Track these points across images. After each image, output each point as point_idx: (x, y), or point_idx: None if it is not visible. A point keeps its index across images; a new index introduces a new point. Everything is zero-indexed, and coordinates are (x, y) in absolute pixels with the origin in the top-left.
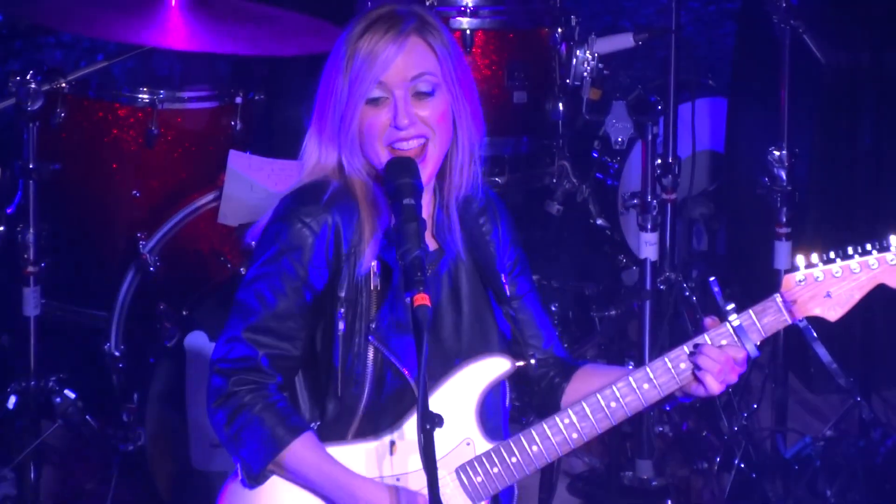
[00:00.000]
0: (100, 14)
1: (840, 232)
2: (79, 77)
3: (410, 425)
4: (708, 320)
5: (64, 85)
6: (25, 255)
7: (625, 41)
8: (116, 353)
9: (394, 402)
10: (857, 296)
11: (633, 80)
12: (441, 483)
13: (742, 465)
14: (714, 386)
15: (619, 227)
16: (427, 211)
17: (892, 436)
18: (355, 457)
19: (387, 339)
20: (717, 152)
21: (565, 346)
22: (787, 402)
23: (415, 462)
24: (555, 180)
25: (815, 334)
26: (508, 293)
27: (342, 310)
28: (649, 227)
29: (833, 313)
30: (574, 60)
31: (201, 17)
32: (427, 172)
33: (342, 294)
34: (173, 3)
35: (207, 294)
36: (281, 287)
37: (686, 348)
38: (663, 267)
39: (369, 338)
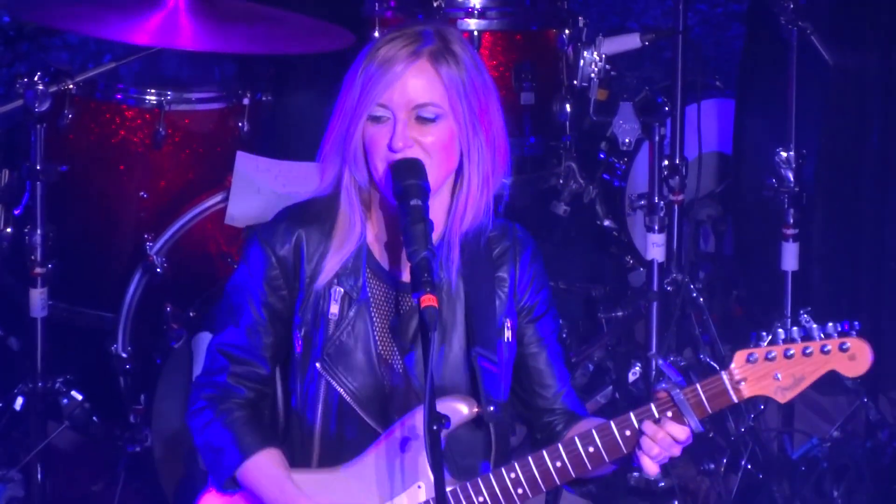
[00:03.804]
0: (106, 15)
1: (847, 233)
2: (86, 78)
3: (368, 462)
4: (659, 392)
5: (71, 86)
6: (32, 257)
7: (632, 42)
8: (123, 355)
9: (349, 430)
10: (808, 380)
11: (640, 82)
12: None
13: (749, 466)
14: (651, 468)
15: (626, 229)
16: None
17: None
18: (317, 484)
19: (335, 367)
20: (724, 153)
21: (581, 399)
22: (793, 402)
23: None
24: (562, 181)
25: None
26: (508, 338)
27: (300, 332)
28: (656, 228)
29: (781, 395)
30: (581, 61)
31: (207, 17)
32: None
33: (304, 316)
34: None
35: (214, 295)
36: (246, 305)
37: (633, 416)
38: (670, 268)
39: (316, 364)
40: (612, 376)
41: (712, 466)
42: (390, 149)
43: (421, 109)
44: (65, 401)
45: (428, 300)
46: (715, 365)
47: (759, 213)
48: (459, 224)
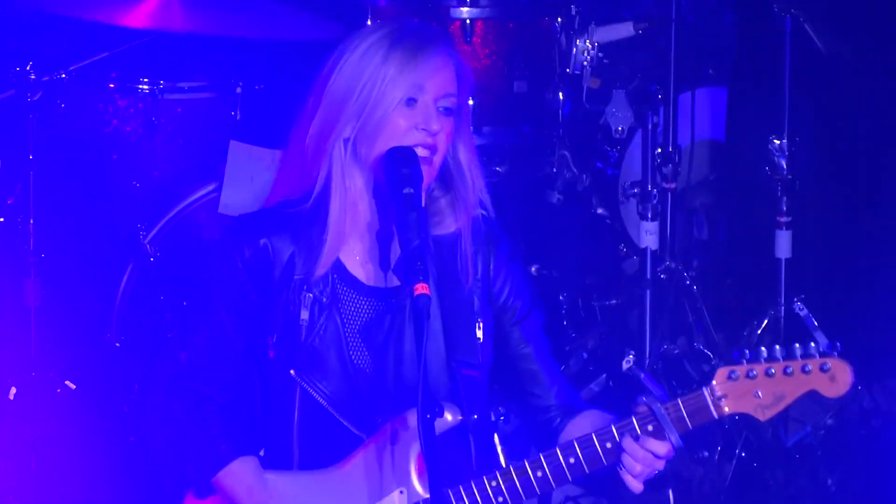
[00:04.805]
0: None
1: (840, 220)
2: (79, 68)
3: (349, 466)
4: (639, 406)
5: (64, 76)
6: (26, 246)
7: (625, 30)
8: (117, 344)
9: (327, 434)
10: (788, 399)
11: (633, 70)
12: None
13: (743, 455)
14: (635, 486)
15: (620, 217)
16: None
17: (893, 424)
18: (297, 486)
19: (309, 373)
20: (718, 141)
21: (572, 389)
22: None
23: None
24: (555, 170)
25: (815, 322)
26: (480, 338)
27: (272, 338)
28: (650, 216)
29: (762, 414)
30: (574, 50)
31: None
32: (427, 180)
33: (273, 322)
34: None
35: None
36: (220, 327)
37: (614, 428)
38: (664, 256)
39: (290, 372)
40: (605, 364)
41: (706, 454)
42: (427, 131)
43: (447, 100)
44: (58, 390)
45: (421, 288)
46: (708, 352)
47: (752, 200)
48: (462, 229)
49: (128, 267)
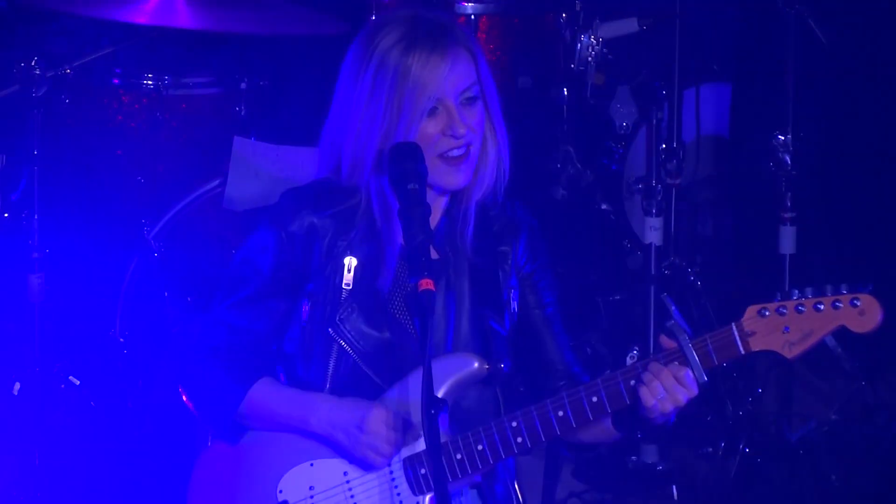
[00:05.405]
0: None
1: (844, 216)
2: (83, 63)
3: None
4: (665, 340)
5: (68, 71)
6: (30, 241)
7: (629, 26)
8: (121, 339)
9: (356, 389)
10: (816, 336)
11: (637, 66)
12: (387, 472)
13: (747, 450)
14: (648, 399)
15: (624, 213)
16: (434, 217)
17: None
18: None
19: (348, 331)
20: (722, 137)
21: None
22: (791, 386)
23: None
24: (559, 166)
25: None
26: (514, 309)
27: (308, 301)
28: (654, 211)
29: (789, 350)
30: (578, 45)
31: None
32: (469, 174)
33: (314, 287)
34: None
35: (212, 280)
36: (252, 279)
37: (639, 366)
38: (668, 252)
39: (328, 329)
40: (609, 360)
41: (710, 450)
42: (454, 136)
43: (468, 91)
44: (62, 385)
45: (426, 284)
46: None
47: (756, 196)
48: (475, 193)
49: (132, 262)
